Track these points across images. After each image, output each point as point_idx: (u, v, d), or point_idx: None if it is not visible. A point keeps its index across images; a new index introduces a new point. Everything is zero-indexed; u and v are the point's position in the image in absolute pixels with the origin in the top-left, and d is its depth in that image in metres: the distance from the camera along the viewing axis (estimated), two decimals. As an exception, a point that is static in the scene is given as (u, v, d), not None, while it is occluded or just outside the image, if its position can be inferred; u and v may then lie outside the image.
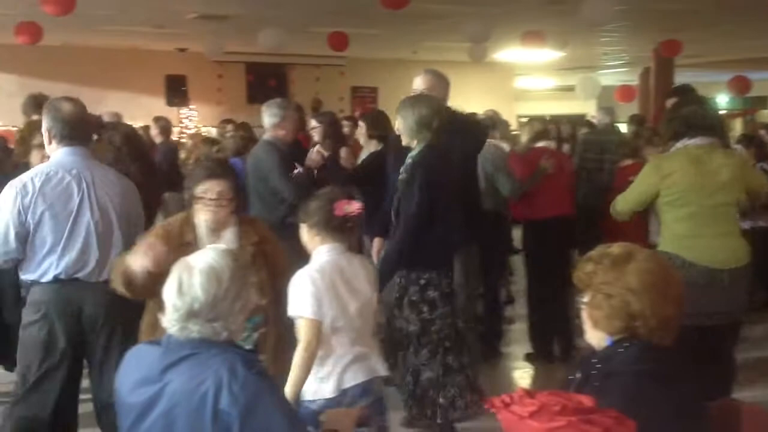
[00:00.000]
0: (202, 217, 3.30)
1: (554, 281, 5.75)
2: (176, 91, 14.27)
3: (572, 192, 6.14)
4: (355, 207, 3.13)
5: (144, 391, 2.09)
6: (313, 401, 3.02)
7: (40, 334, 3.52)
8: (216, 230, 3.33)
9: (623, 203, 4.19)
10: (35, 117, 5.46)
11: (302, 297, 2.99)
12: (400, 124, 4.24)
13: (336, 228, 3.13)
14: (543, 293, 5.93)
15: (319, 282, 3.02)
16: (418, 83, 4.67)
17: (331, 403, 2.99)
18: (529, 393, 1.66)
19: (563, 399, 1.63)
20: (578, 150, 7.70)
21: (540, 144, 6.03)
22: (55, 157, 3.58)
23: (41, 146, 4.03)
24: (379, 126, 5.91)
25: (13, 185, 3.49)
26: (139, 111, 12.14)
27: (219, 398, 1.97)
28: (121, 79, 13.69)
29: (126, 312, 3.53)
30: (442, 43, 13.23)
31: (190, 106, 14.48)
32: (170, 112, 12.66)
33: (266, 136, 5.26)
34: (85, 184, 3.54)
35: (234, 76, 14.85)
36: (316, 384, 3.05)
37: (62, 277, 3.51)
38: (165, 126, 8.67)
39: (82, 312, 3.56)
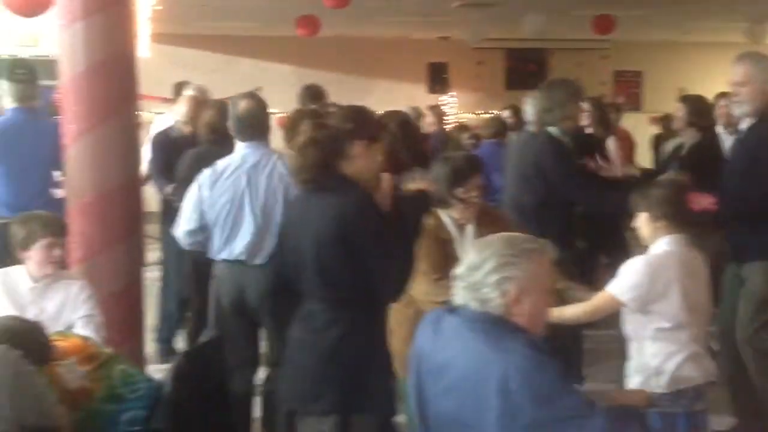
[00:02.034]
0: (455, 215, 3.40)
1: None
2: (438, 78, 14.63)
3: None
4: (709, 200, 3.07)
5: (438, 356, 2.19)
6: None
7: (215, 306, 3.93)
8: (463, 226, 3.42)
9: None
10: (312, 107, 5.90)
11: (622, 276, 3.00)
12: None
13: (686, 221, 3.04)
14: None
15: (653, 272, 2.98)
16: (738, 74, 3.83)
17: (664, 399, 2.95)
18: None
19: None
20: None
21: None
22: (236, 150, 3.93)
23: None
24: (703, 113, 5.43)
25: (198, 178, 3.89)
26: (402, 98, 12.59)
27: (508, 378, 1.99)
28: (386, 68, 14.27)
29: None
30: (715, 23, 12.38)
31: (450, 93, 14.78)
32: (431, 99, 13.00)
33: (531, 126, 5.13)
34: (248, 178, 3.82)
35: (493, 62, 14.91)
36: (647, 375, 3.01)
37: (229, 258, 3.85)
38: (440, 114, 8.91)
39: (245, 292, 3.87)
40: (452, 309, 2.25)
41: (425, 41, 14.35)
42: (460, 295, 2.19)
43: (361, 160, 2.87)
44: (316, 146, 2.83)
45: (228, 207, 3.84)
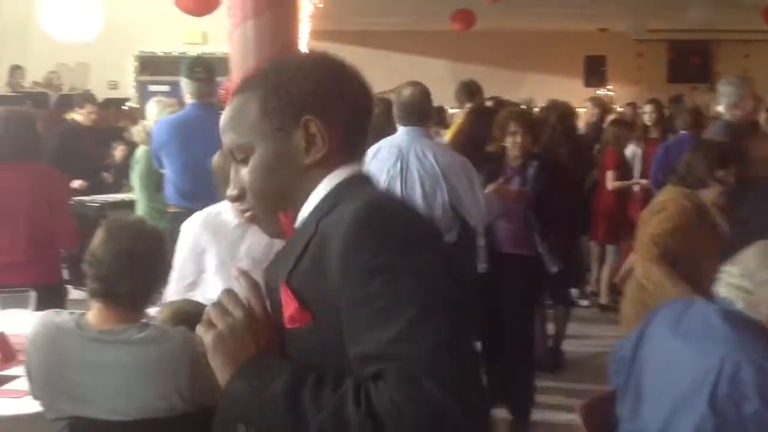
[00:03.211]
0: (711, 197, 3.39)
1: None
2: (595, 71, 14.26)
3: None
4: None
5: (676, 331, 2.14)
6: None
7: None
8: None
9: None
10: (468, 105, 5.90)
11: None
12: None
13: None
14: None
15: None
16: None
17: None
18: None
19: None
20: None
21: None
22: (396, 134, 4.05)
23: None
24: None
25: None
26: (557, 92, 12.33)
27: (741, 367, 1.94)
28: (538, 61, 14.03)
29: None
30: None
31: (607, 87, 14.35)
32: (587, 93, 12.67)
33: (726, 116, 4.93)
34: (402, 160, 3.95)
35: (654, 54, 14.38)
36: None
37: None
38: (602, 105, 8.65)
39: None
40: (709, 300, 2.19)
41: (583, 33, 14.01)
42: (724, 289, 2.13)
43: None
44: None
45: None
